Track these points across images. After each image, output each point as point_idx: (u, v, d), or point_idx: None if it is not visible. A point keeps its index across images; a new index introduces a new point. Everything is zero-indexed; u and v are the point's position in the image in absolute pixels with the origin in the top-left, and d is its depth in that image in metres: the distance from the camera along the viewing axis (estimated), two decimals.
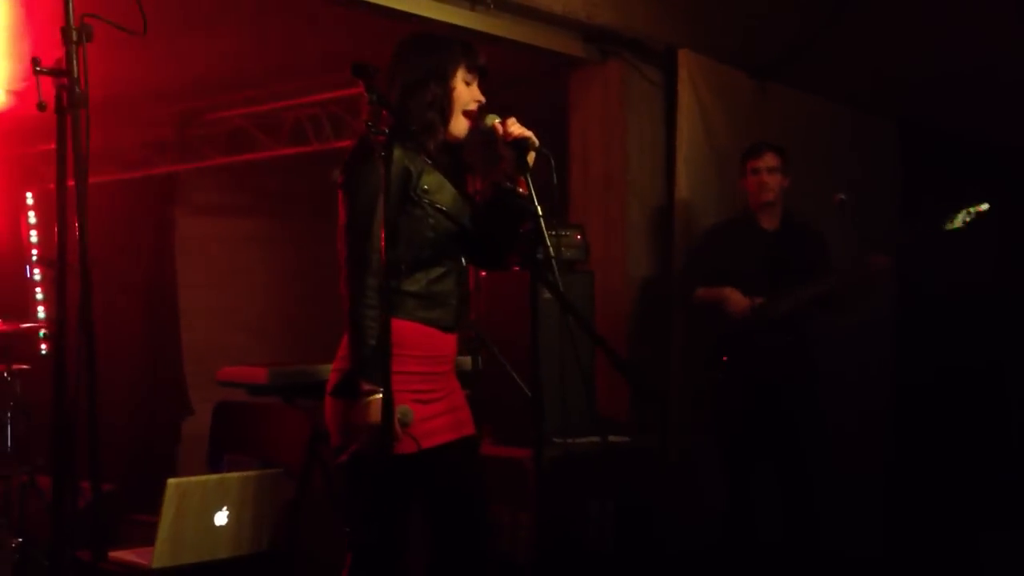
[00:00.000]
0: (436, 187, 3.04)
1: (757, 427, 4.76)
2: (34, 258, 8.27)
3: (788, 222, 4.89)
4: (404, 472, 2.96)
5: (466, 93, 3.09)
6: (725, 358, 4.78)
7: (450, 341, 3.11)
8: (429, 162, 3.01)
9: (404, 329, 2.95)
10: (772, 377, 4.73)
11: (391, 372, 2.70)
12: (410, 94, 3.04)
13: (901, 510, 6.16)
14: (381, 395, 2.71)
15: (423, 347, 3.03)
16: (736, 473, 4.84)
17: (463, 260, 3.14)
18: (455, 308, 3.09)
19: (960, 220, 4.44)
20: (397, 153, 2.91)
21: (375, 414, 2.81)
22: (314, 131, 6.59)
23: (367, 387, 2.88)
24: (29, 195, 8.32)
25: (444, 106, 3.06)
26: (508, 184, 2.96)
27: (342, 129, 6.46)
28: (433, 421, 3.03)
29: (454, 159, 3.13)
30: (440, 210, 3.04)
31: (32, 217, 8.34)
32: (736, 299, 4.74)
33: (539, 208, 2.82)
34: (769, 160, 4.81)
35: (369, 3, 4.44)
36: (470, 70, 3.10)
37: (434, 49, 3.10)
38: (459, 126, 3.09)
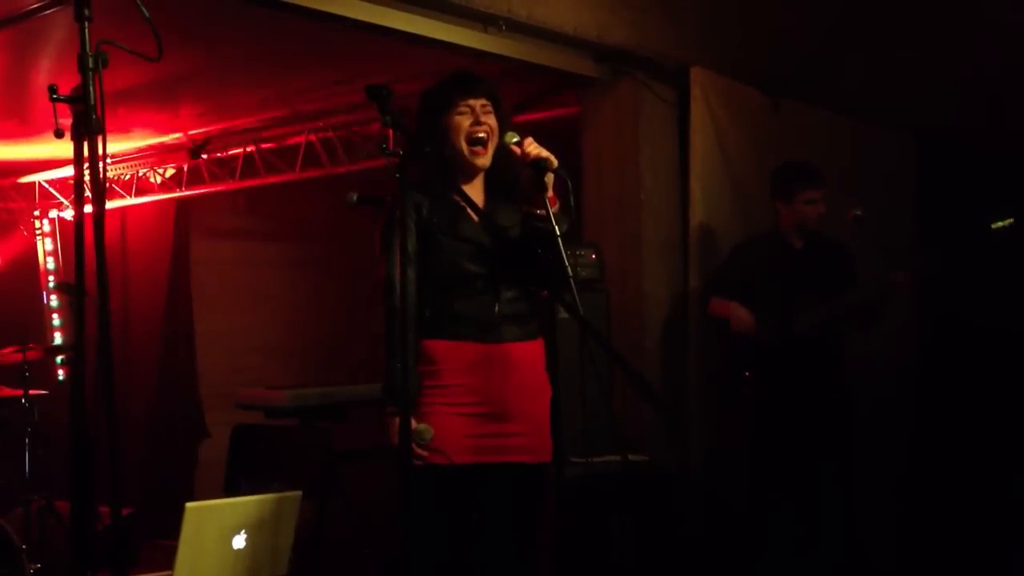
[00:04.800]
0: (448, 216, 3.15)
1: (795, 440, 4.74)
2: (51, 284, 8.31)
3: (815, 239, 4.90)
4: (437, 486, 3.04)
5: (463, 121, 3.16)
6: (747, 373, 4.78)
7: (494, 352, 3.14)
8: (456, 192, 3.13)
9: (438, 347, 3.12)
10: (806, 388, 4.73)
11: (429, 387, 3.07)
12: (416, 132, 3.18)
13: (917, 524, 6.09)
14: (398, 417, 2.85)
15: (459, 360, 3.11)
16: (773, 489, 4.81)
17: (503, 276, 3.17)
18: (494, 322, 3.13)
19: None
20: (409, 195, 3.06)
21: (392, 435, 2.96)
22: (327, 155, 6.61)
23: (389, 409, 3.03)
24: (45, 222, 8.37)
25: (439, 136, 3.16)
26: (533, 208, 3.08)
27: (355, 153, 6.48)
28: (480, 440, 3.10)
29: (495, 187, 3.24)
30: (454, 236, 3.13)
31: (48, 243, 8.39)
32: (742, 316, 4.76)
33: (557, 228, 2.86)
34: (823, 190, 4.82)
35: (383, 27, 4.46)
36: (464, 99, 3.17)
37: (432, 89, 3.24)
38: (471, 156, 3.17)
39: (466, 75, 3.25)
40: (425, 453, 3.00)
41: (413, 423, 2.98)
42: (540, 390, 3.16)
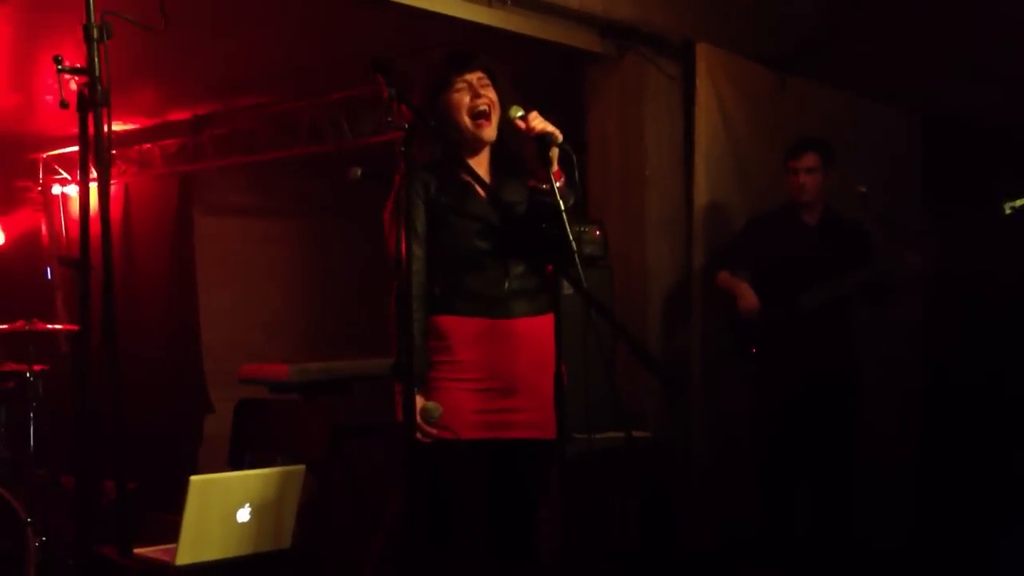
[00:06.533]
0: (456, 194, 3.16)
1: (799, 419, 4.74)
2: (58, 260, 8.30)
3: (829, 216, 4.88)
4: (445, 461, 3.06)
5: (462, 97, 3.15)
6: (754, 350, 4.78)
7: (504, 327, 3.15)
8: (464, 169, 3.11)
9: (448, 323, 3.13)
10: (813, 366, 4.73)
11: (439, 362, 3.10)
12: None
13: (932, 501, 6.09)
14: (404, 395, 2.85)
15: (468, 335, 3.12)
16: (776, 467, 4.81)
17: (511, 252, 3.17)
18: (504, 298, 3.15)
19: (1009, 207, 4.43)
20: (417, 173, 3.06)
21: (400, 412, 2.93)
22: (332, 130, 6.59)
23: (398, 387, 3.01)
24: (50, 197, 8.35)
25: (441, 116, 3.15)
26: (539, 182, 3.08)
27: (360, 127, 6.46)
28: (489, 416, 3.12)
29: (501, 161, 3.23)
30: (462, 215, 3.13)
31: (53, 218, 8.37)
32: (748, 297, 4.75)
33: (562, 203, 2.85)
34: (808, 161, 4.80)
35: (389, 1, 4.44)
36: (460, 75, 3.16)
37: (432, 68, 3.23)
38: (476, 129, 3.16)
39: (459, 52, 3.23)
40: (434, 431, 2.99)
41: (422, 401, 2.98)
42: (550, 366, 3.16)
